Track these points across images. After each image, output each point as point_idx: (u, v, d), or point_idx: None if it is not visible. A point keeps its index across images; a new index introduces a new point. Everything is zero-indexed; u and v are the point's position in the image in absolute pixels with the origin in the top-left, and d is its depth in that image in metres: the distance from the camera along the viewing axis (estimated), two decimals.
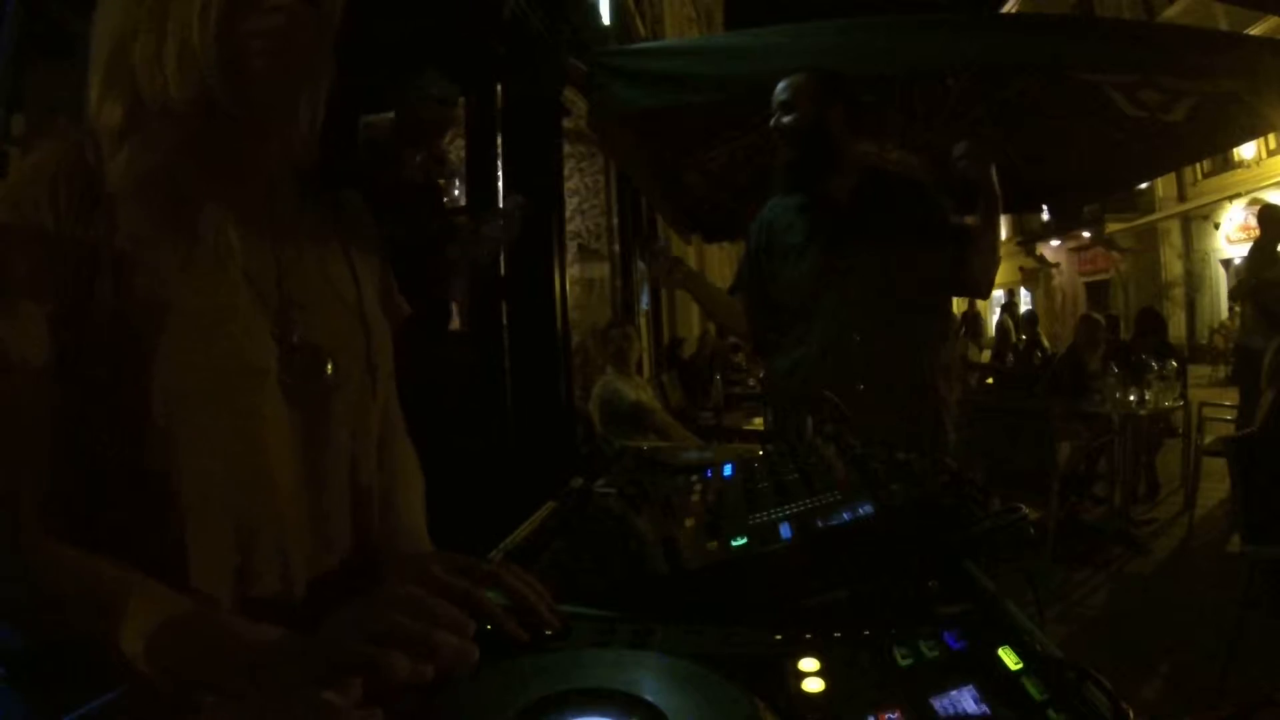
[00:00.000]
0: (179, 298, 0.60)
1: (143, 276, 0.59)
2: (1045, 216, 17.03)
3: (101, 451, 0.58)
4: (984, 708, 0.46)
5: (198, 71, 0.59)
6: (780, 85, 1.85)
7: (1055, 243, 19.45)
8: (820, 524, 0.72)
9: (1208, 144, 3.89)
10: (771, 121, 1.85)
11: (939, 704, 0.47)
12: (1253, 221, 5.36)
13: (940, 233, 1.77)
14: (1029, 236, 20.28)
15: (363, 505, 0.72)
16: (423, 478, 0.86)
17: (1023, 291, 20.87)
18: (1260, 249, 4.83)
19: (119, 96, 0.61)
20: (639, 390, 3.56)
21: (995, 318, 14.16)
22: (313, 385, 0.66)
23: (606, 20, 5.09)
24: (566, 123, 3.77)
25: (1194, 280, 15.70)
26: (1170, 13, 13.72)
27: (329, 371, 0.68)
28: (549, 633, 0.59)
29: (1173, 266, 16.25)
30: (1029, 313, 13.57)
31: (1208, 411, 4.59)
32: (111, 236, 0.59)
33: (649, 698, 0.47)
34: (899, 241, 1.76)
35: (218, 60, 0.59)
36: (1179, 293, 15.97)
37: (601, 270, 5.82)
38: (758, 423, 4.56)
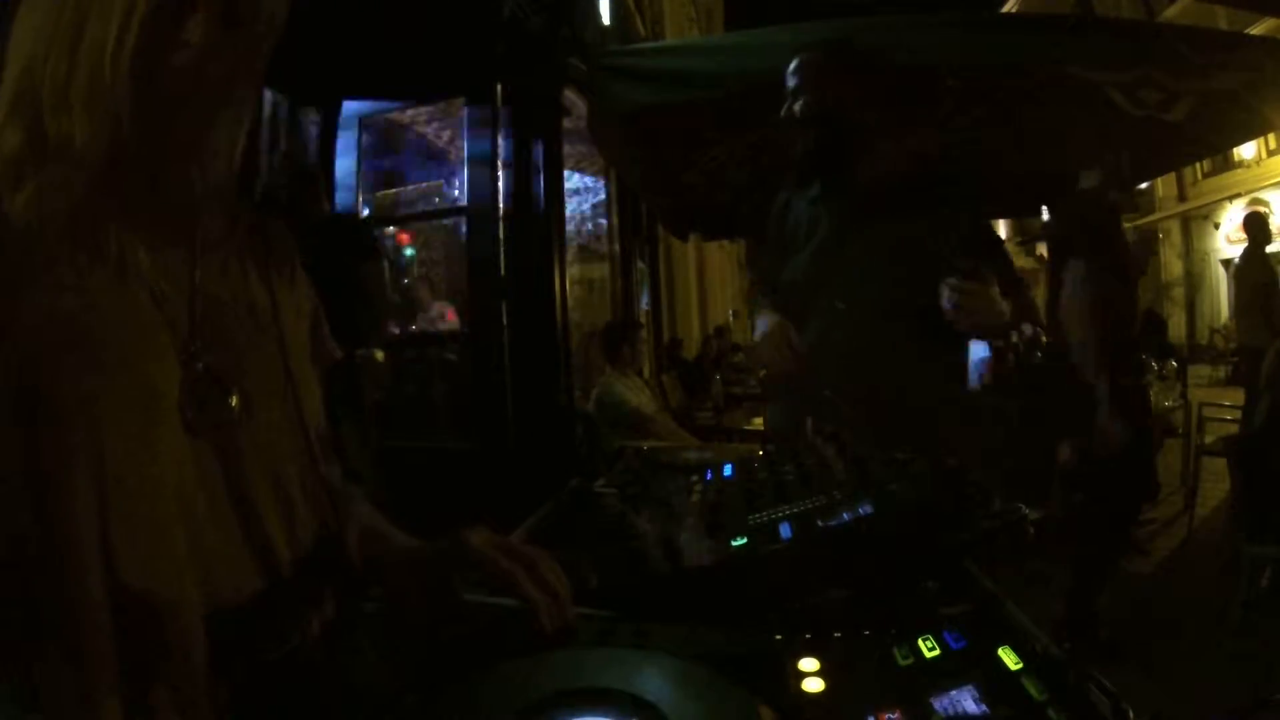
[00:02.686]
0: (76, 318, 0.57)
1: (38, 297, 0.56)
2: (1045, 216, 17.03)
3: None
4: (984, 708, 0.46)
5: (108, 107, 0.56)
6: (790, 67, 1.67)
7: None
8: (820, 524, 0.72)
9: (1208, 144, 3.88)
10: (783, 110, 1.69)
11: (939, 704, 0.47)
12: (1245, 224, 5.39)
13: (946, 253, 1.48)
14: (1029, 236, 20.24)
15: (277, 541, 0.67)
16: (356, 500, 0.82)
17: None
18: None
19: (21, 125, 0.57)
20: (638, 394, 3.56)
21: None
22: (216, 416, 0.63)
23: (606, 20, 5.09)
24: (566, 123, 3.77)
25: (1194, 280, 15.70)
26: (1170, 13, 13.71)
27: (233, 403, 0.64)
28: (557, 634, 0.60)
29: (1173, 266, 16.24)
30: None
31: (1208, 411, 4.59)
32: (5, 262, 0.56)
33: (649, 698, 0.47)
34: (912, 246, 1.52)
35: (130, 94, 0.55)
36: (1179, 293, 15.96)
37: (601, 270, 5.82)
38: (758, 423, 4.56)
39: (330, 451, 0.80)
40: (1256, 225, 5.08)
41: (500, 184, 3.07)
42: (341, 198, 3.32)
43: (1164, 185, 15.66)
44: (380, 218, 4.46)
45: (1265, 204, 12.32)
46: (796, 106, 1.65)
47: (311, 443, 0.72)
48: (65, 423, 0.55)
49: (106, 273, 0.59)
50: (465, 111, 3.23)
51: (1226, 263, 14.71)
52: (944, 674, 0.50)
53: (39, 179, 0.57)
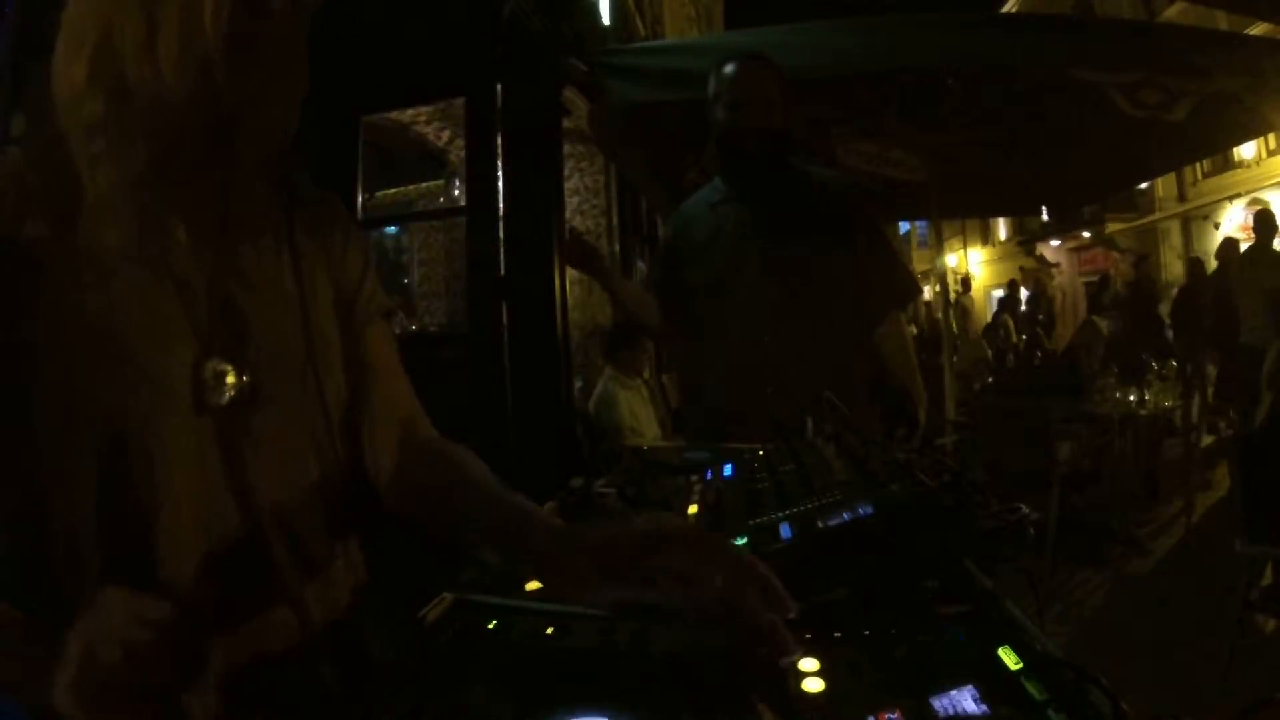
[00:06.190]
0: (103, 316, 0.58)
1: (76, 288, 0.57)
2: (1045, 217, 17.04)
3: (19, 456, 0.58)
4: (984, 708, 0.46)
5: (199, 55, 0.56)
6: (727, 76, 1.72)
7: (1055, 243, 19.42)
8: (820, 524, 0.72)
9: (1208, 143, 3.88)
10: (729, 116, 1.71)
11: (939, 704, 0.47)
12: (1253, 222, 5.37)
13: (853, 257, 1.73)
14: (1029, 236, 20.25)
15: (292, 526, 0.68)
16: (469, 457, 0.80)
17: (1023, 292, 20.82)
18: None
19: (102, 90, 0.57)
20: (636, 403, 3.54)
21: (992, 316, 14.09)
22: (227, 400, 0.64)
23: (606, 20, 5.08)
24: (566, 123, 3.76)
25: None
26: (1170, 13, 13.70)
27: (245, 385, 0.65)
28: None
29: (1173, 266, 16.21)
30: (1028, 312, 13.51)
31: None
32: (65, 244, 0.57)
33: (649, 697, 0.47)
34: (823, 249, 1.70)
35: (224, 52, 0.56)
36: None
37: None
38: None
39: (420, 412, 0.81)
40: (1265, 223, 5.05)
41: (500, 184, 3.07)
42: (340, 198, 3.32)
43: (1164, 185, 15.63)
44: (380, 218, 4.45)
45: (1265, 204, 12.32)
46: (742, 115, 1.70)
47: (333, 426, 0.72)
48: (97, 419, 0.58)
49: (139, 263, 0.61)
50: (465, 111, 3.23)
51: None
52: (944, 674, 0.50)
53: (110, 138, 0.58)
